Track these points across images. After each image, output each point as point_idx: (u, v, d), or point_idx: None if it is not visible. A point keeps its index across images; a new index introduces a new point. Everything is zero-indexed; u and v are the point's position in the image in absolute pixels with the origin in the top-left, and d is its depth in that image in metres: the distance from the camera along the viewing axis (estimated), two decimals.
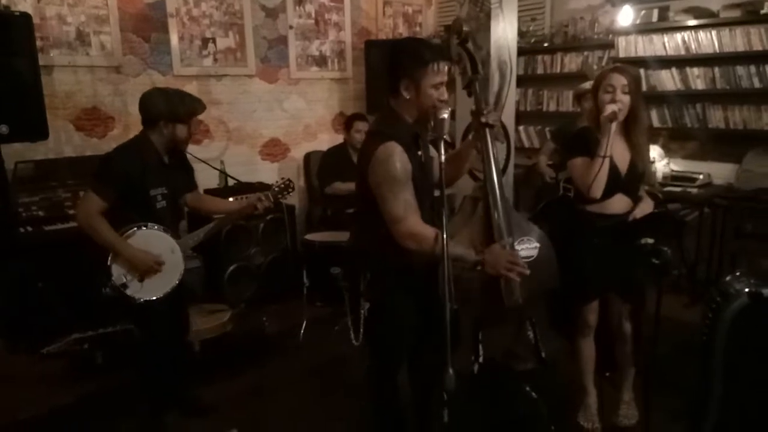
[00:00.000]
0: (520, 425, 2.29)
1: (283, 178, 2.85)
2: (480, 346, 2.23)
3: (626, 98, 2.32)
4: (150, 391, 2.62)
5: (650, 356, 2.19)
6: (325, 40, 5.40)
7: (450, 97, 2.16)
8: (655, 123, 4.62)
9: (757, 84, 4.18)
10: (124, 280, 2.41)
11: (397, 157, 1.93)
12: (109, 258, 2.38)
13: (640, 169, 2.40)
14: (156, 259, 2.45)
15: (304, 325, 3.78)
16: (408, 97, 2.02)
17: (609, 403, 2.79)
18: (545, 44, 5.36)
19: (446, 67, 2.03)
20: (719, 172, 4.48)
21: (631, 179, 2.42)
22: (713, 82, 4.39)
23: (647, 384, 2.20)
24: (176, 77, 4.51)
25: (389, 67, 2.07)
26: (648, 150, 2.40)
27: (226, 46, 4.78)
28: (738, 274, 2.77)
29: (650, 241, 1.87)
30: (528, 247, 2.13)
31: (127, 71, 4.30)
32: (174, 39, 4.49)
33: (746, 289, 2.53)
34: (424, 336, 2.23)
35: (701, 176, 4.42)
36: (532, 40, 5.41)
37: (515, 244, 2.12)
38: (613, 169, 2.43)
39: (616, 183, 2.44)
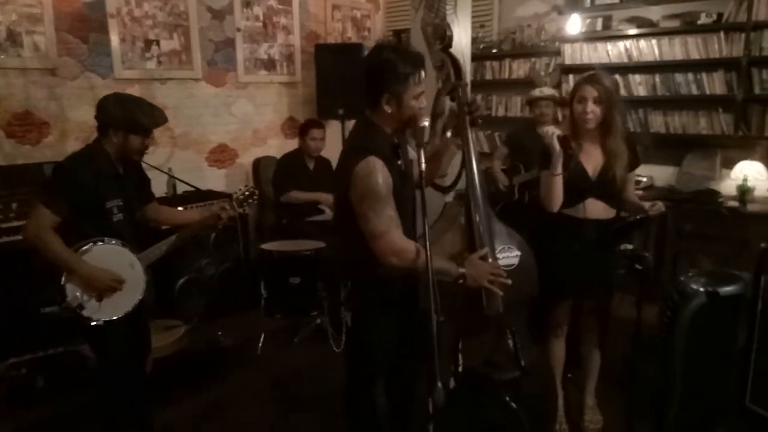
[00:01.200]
0: None
1: (246, 186, 2.73)
2: (460, 356, 2.21)
3: (597, 109, 2.38)
4: (109, 418, 2.43)
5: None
6: (274, 44, 5.27)
7: (439, 102, 2.13)
8: None
9: (694, 91, 4.41)
10: (81, 300, 2.22)
11: (378, 173, 1.88)
12: (63, 277, 2.19)
13: (611, 174, 2.45)
14: (115, 277, 2.28)
15: (262, 337, 3.65)
16: (389, 111, 1.97)
17: (575, 406, 2.84)
18: (494, 50, 5.45)
19: (424, 74, 1.99)
20: (660, 174, 4.69)
21: (603, 184, 2.46)
22: (654, 89, 4.59)
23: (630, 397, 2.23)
24: (117, 80, 4.27)
25: (368, 82, 1.99)
26: (625, 155, 2.45)
27: (171, 48, 4.57)
28: (691, 273, 2.89)
29: (629, 246, 1.90)
30: (509, 256, 2.12)
31: (63, 74, 4.03)
32: (114, 40, 4.24)
33: (703, 289, 2.65)
34: (403, 348, 2.20)
35: (645, 179, 4.60)
36: (481, 47, 5.49)
37: (497, 252, 2.11)
38: (582, 174, 2.48)
39: (586, 188, 2.49)
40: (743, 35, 4.10)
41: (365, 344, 2.14)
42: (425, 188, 1.97)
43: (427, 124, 1.96)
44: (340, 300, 2.11)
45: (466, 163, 2.12)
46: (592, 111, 2.37)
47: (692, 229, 4.27)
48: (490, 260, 2.07)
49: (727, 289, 2.60)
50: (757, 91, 4.11)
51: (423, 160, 1.89)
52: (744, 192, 4.07)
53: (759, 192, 4.17)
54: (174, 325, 3.49)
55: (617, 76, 4.66)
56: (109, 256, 2.28)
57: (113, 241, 2.30)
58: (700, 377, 2.68)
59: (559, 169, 2.40)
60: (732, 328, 2.73)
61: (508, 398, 2.20)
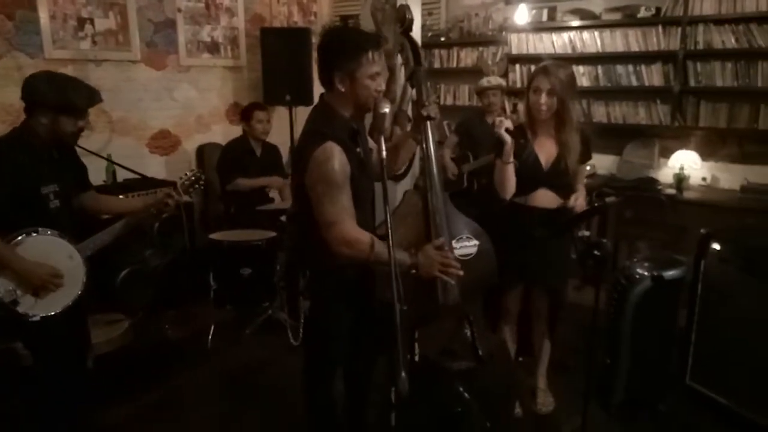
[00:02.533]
0: (452, 425, 2.28)
1: (192, 170, 2.61)
2: (416, 345, 2.20)
3: (551, 100, 2.40)
4: (46, 419, 2.28)
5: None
6: (217, 26, 5.07)
7: (391, 88, 2.09)
8: None
9: (634, 82, 4.57)
10: (14, 296, 2.05)
11: (335, 160, 1.85)
12: None
13: (563, 165, 2.49)
14: (53, 272, 2.12)
15: (212, 330, 3.53)
16: (343, 90, 1.93)
17: (527, 389, 2.91)
18: (442, 39, 5.46)
19: (382, 56, 1.95)
20: (602, 163, 4.84)
21: (554, 175, 2.50)
22: (597, 80, 4.73)
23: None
24: (48, 60, 3.99)
25: (320, 60, 1.97)
26: (577, 148, 2.49)
27: (106, 27, 4.32)
28: (636, 259, 3.01)
29: (587, 233, 1.94)
30: (467, 245, 2.11)
31: None
32: (44, 17, 3.96)
33: (649, 273, 2.76)
34: (361, 336, 2.18)
35: (588, 167, 4.72)
36: (429, 34, 5.48)
37: (454, 242, 2.11)
38: (535, 164, 2.52)
39: (538, 178, 2.52)
40: (680, 29, 4.27)
41: (323, 333, 2.12)
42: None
43: (387, 110, 1.92)
44: (298, 289, 2.07)
45: (424, 151, 2.09)
46: (546, 102, 2.40)
47: (632, 215, 4.46)
48: (446, 250, 2.06)
49: (671, 273, 2.73)
50: (692, 83, 4.31)
51: (384, 147, 1.86)
52: (680, 180, 4.26)
53: (694, 180, 4.39)
54: (117, 320, 3.33)
55: None
56: (45, 247, 2.12)
57: (49, 232, 2.14)
58: (644, 357, 2.81)
59: (511, 158, 2.42)
60: (674, 310, 2.88)
61: (461, 388, 2.20)
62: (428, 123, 2.07)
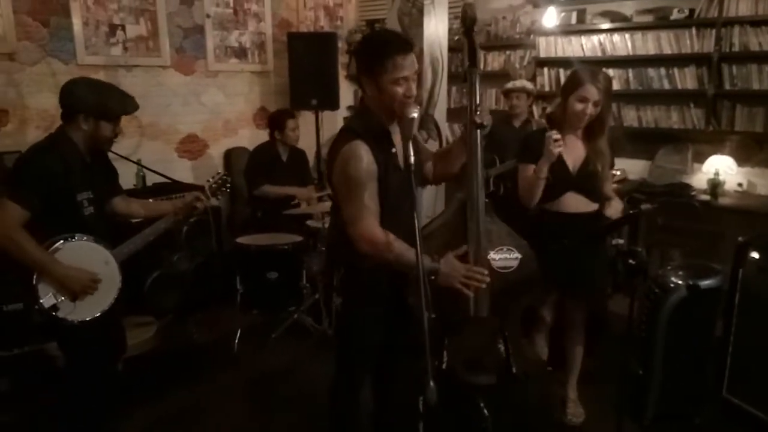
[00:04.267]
0: None
1: (219, 173, 2.63)
2: (445, 353, 2.16)
3: (596, 110, 2.36)
4: (74, 423, 2.30)
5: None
6: (245, 31, 5.11)
7: (417, 92, 2.06)
8: None
9: (666, 85, 4.46)
10: (55, 300, 2.08)
11: (360, 158, 1.86)
12: (35, 277, 2.05)
13: (592, 168, 2.43)
14: (92, 276, 2.15)
15: (238, 334, 3.54)
16: (371, 95, 1.95)
17: (557, 400, 2.85)
18: None
19: (412, 60, 1.93)
20: (633, 168, 4.74)
21: (583, 178, 2.45)
22: (627, 83, 4.63)
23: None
24: (80, 66, 4.07)
25: (355, 66, 2.02)
26: (609, 154, 2.43)
27: (137, 34, 4.39)
28: (670, 267, 2.93)
29: (621, 241, 1.88)
30: (508, 257, 2.04)
31: (22, 59, 3.82)
32: (77, 24, 4.04)
33: (684, 282, 2.68)
34: (390, 342, 2.15)
35: (618, 172, 4.64)
36: (456, 38, 5.44)
37: (492, 253, 2.05)
38: (562, 167, 2.46)
39: (566, 182, 2.47)
40: (714, 31, 4.16)
41: (350, 331, 2.11)
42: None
43: (416, 115, 1.89)
44: (333, 284, 2.06)
45: (469, 157, 2.04)
46: (591, 112, 2.35)
47: (664, 222, 4.35)
48: (473, 262, 2.00)
49: (707, 283, 2.64)
50: (727, 86, 4.19)
51: (411, 153, 1.83)
52: (715, 186, 4.15)
53: (729, 186, 4.26)
54: (146, 323, 3.36)
55: None
56: (82, 253, 2.16)
57: (85, 237, 2.17)
58: (678, 368, 2.73)
59: (545, 174, 2.38)
60: (710, 320, 2.78)
61: (482, 404, 2.13)
62: (478, 131, 2.01)
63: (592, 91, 2.34)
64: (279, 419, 2.87)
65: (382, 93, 1.90)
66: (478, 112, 1.97)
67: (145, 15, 4.41)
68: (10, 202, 2.00)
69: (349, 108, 5.59)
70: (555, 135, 2.31)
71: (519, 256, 2.06)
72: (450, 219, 2.12)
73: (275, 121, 4.19)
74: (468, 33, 2.04)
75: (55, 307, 2.09)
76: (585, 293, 2.60)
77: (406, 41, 1.96)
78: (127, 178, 4.00)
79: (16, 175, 2.10)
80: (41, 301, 2.06)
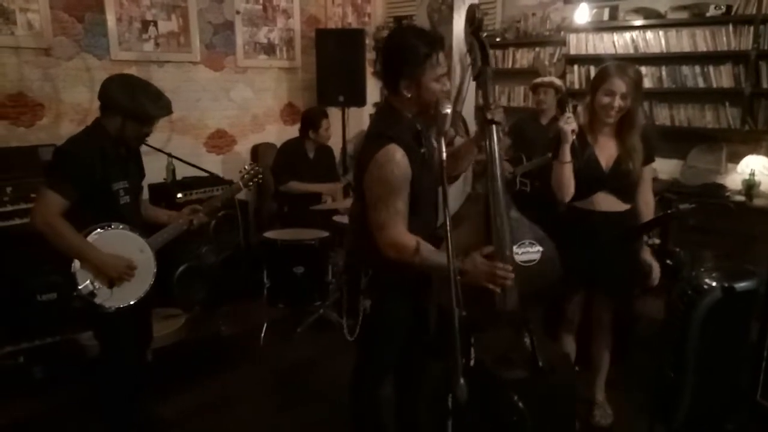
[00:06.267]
0: None
1: (251, 164, 2.66)
2: (472, 350, 2.15)
3: (624, 103, 2.32)
4: (110, 411, 2.35)
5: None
6: (274, 27, 5.15)
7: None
8: None
9: (701, 84, 4.36)
10: (92, 288, 2.13)
11: (396, 163, 1.84)
12: (73, 264, 2.10)
13: (624, 167, 2.39)
14: (129, 264, 2.20)
15: (264, 327, 3.58)
16: (409, 96, 1.92)
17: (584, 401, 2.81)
18: (497, 39, 5.37)
19: (443, 56, 1.92)
20: (665, 167, 4.64)
21: (616, 177, 2.41)
22: (660, 81, 4.53)
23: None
24: (114, 62, 4.14)
25: (385, 67, 1.96)
26: (640, 149, 2.39)
27: (169, 29, 4.45)
28: (704, 269, 2.86)
29: (657, 241, 1.84)
30: (530, 251, 2.03)
31: (58, 54, 3.90)
32: (111, 20, 4.12)
33: (718, 284, 2.61)
34: (415, 339, 2.15)
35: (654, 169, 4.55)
36: (484, 35, 5.39)
37: (515, 247, 2.04)
38: (595, 166, 2.43)
39: (598, 180, 2.43)
40: (752, 28, 4.05)
41: (381, 331, 2.10)
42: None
43: (449, 110, 1.88)
44: (359, 288, 2.06)
45: (487, 155, 2.03)
46: (618, 106, 2.31)
47: (696, 223, 4.25)
48: (499, 259, 1.99)
49: (743, 285, 2.58)
50: (765, 85, 4.07)
51: (444, 148, 1.83)
52: (750, 186, 4.04)
53: (765, 186, 4.15)
54: (174, 315, 3.41)
55: None
56: (118, 241, 2.21)
57: (121, 226, 2.22)
58: (711, 372, 2.66)
59: (568, 157, 2.34)
60: (745, 323, 2.71)
61: (516, 398, 2.13)
62: (493, 127, 2.00)
63: (618, 84, 2.30)
64: (303, 411, 2.89)
65: (425, 92, 1.89)
66: (492, 108, 1.99)
67: (176, 11, 4.47)
68: (49, 191, 2.06)
69: (375, 105, 5.58)
70: (571, 116, 2.29)
71: (540, 248, 2.05)
72: (472, 216, 2.11)
73: (310, 121, 4.15)
74: (476, 33, 2.07)
75: (92, 294, 2.14)
76: (612, 292, 2.56)
77: (442, 38, 1.96)
78: (157, 171, 4.07)
79: (55, 166, 2.15)
80: (80, 287, 2.11)
